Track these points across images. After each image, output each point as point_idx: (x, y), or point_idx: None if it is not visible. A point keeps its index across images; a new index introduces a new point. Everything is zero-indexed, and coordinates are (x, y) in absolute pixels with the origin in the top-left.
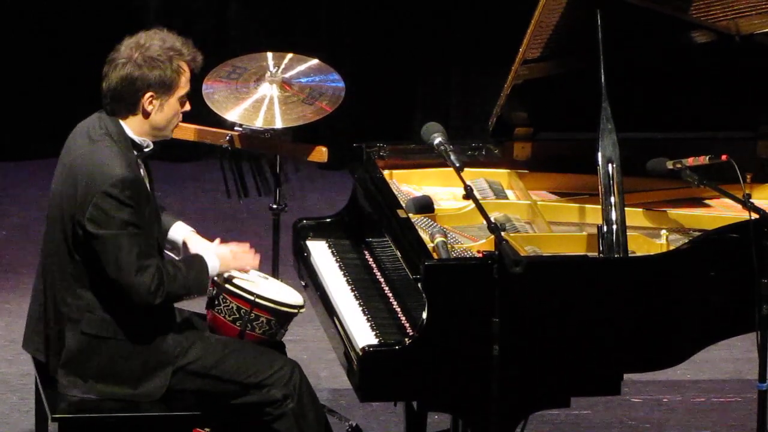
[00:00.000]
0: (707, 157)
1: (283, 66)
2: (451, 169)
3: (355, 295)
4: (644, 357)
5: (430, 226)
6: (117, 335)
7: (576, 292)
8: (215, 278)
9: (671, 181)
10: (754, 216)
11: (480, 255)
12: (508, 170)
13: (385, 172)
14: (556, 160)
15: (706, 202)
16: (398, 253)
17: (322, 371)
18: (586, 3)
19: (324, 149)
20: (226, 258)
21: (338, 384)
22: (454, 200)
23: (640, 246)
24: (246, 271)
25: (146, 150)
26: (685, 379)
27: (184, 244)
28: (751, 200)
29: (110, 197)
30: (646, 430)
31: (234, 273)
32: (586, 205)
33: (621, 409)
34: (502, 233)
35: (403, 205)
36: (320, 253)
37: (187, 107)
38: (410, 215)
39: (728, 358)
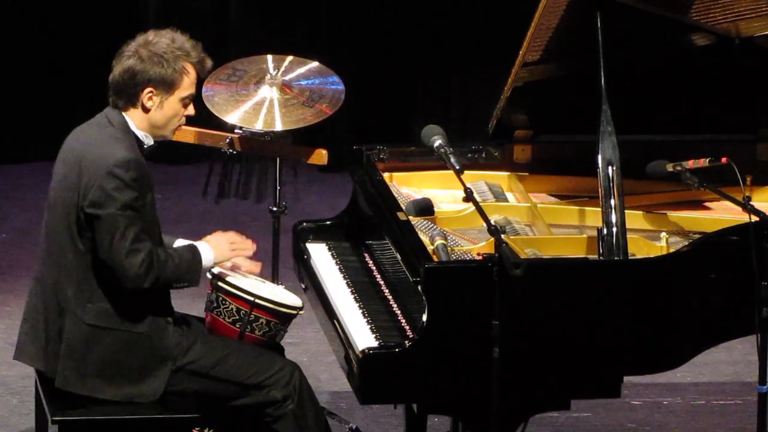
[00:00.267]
0: (707, 160)
1: (283, 68)
2: (451, 171)
3: (355, 297)
4: (644, 359)
5: (430, 228)
6: (120, 326)
7: (576, 294)
8: (214, 281)
9: (671, 183)
10: (754, 218)
11: (480, 257)
12: (508, 173)
13: (385, 175)
14: (556, 163)
15: (706, 204)
16: (398, 256)
17: (322, 373)
18: (586, 5)
19: (324, 152)
20: (221, 246)
21: (338, 386)
22: (454, 203)
23: (640, 248)
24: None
25: (146, 147)
26: (685, 381)
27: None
28: (750, 203)
29: (114, 177)
30: None
31: (232, 275)
32: (586, 208)
33: (621, 412)
34: (502, 236)
35: (403, 207)
36: (320, 255)
37: (191, 111)
38: (410, 218)
39: (728, 361)
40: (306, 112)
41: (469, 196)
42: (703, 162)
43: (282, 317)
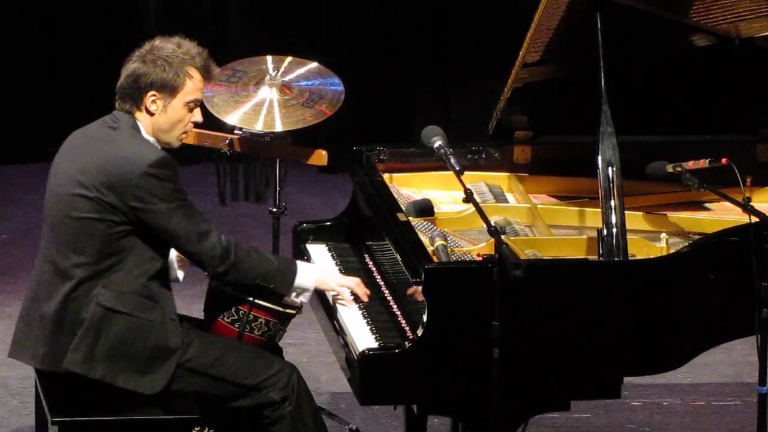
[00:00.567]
0: (707, 161)
1: (282, 69)
2: (451, 172)
3: (355, 298)
4: (644, 360)
5: (430, 229)
6: (132, 312)
7: (576, 295)
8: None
9: (671, 184)
10: (754, 219)
11: (480, 258)
12: (508, 173)
13: (385, 176)
14: (556, 164)
15: (706, 205)
16: (398, 257)
17: (322, 374)
18: (586, 6)
19: (324, 152)
20: (327, 275)
21: (338, 387)
22: (454, 203)
23: (640, 249)
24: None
25: None
26: (685, 382)
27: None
28: (751, 203)
29: (150, 176)
30: None
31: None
32: (586, 209)
33: (621, 413)
34: (502, 236)
35: (403, 208)
36: (320, 256)
37: (198, 117)
38: (410, 218)
39: (728, 362)
40: (306, 113)
41: (469, 197)
42: (703, 163)
43: (281, 317)
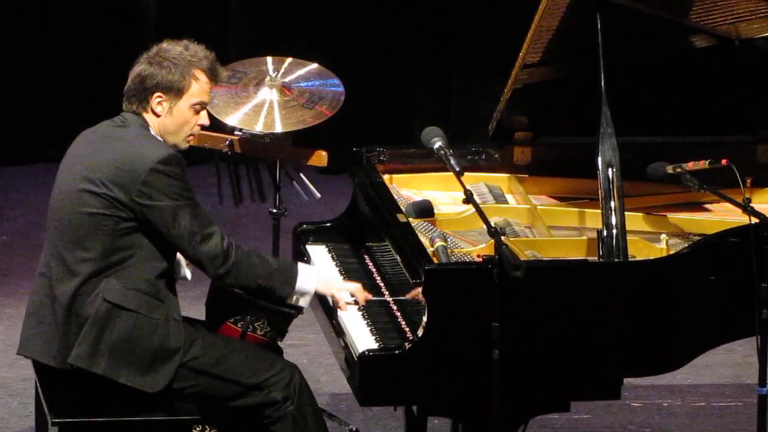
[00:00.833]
0: (707, 162)
1: (282, 70)
2: (451, 173)
3: (355, 299)
4: (644, 361)
5: (430, 230)
6: (138, 309)
7: (576, 296)
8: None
9: (671, 185)
10: (754, 220)
11: (480, 259)
12: (508, 174)
13: (385, 177)
14: (556, 165)
15: (706, 206)
16: (398, 258)
17: (322, 375)
18: (586, 7)
19: (324, 153)
20: (327, 280)
21: (338, 388)
22: (454, 204)
23: (640, 250)
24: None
25: None
26: (685, 383)
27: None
28: (750, 204)
29: (158, 173)
30: None
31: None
32: (586, 210)
33: (621, 414)
34: (502, 237)
35: (403, 209)
36: (320, 257)
37: (205, 120)
38: (410, 220)
39: (728, 363)
40: (306, 114)
41: (469, 198)
42: (703, 164)
43: (283, 317)
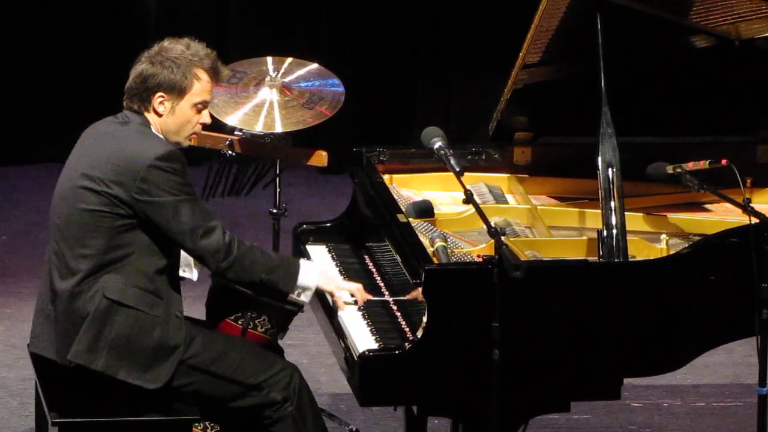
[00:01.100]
0: (707, 162)
1: (282, 70)
2: (451, 173)
3: (355, 299)
4: (644, 361)
5: (430, 230)
6: (138, 306)
7: (576, 296)
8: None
9: (671, 185)
10: (754, 220)
11: (480, 259)
12: (508, 175)
13: (385, 177)
14: (556, 165)
15: (706, 206)
16: (398, 258)
17: (322, 375)
18: (586, 7)
19: (324, 153)
20: (328, 277)
21: (338, 388)
22: (454, 205)
23: (640, 250)
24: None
25: None
26: (685, 383)
27: None
28: (751, 205)
29: (157, 169)
30: None
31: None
32: (586, 210)
33: (621, 414)
34: (502, 238)
35: (403, 209)
36: (320, 257)
37: (206, 119)
38: (410, 220)
39: (728, 363)
40: (306, 114)
41: (469, 198)
42: (704, 164)
43: (284, 314)
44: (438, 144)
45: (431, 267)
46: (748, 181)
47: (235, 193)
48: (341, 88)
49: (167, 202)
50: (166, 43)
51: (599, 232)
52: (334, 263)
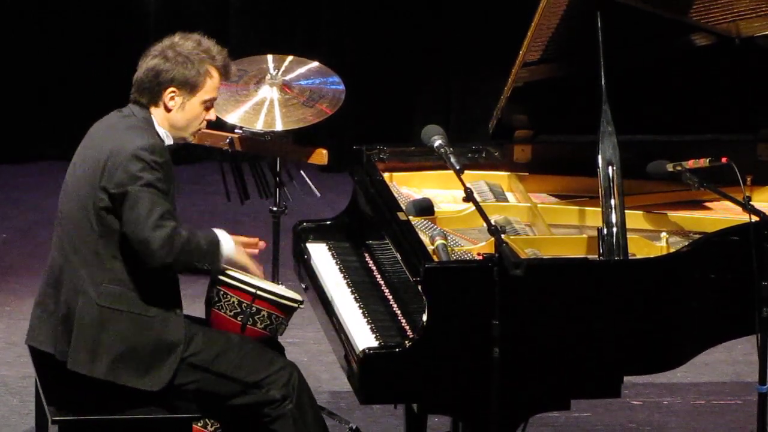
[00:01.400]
0: (707, 160)
1: (283, 68)
2: (451, 171)
3: (355, 297)
4: (644, 359)
5: (430, 228)
6: (131, 309)
7: (576, 294)
8: (214, 275)
9: (671, 183)
10: (755, 218)
11: (480, 257)
12: (509, 173)
13: (385, 175)
14: (557, 163)
15: (706, 204)
16: (398, 256)
17: (322, 373)
18: (586, 5)
19: (324, 151)
20: (236, 245)
21: (338, 386)
22: (454, 203)
23: (640, 248)
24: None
25: (166, 145)
26: (685, 381)
27: None
28: (751, 203)
29: (139, 160)
30: None
31: (232, 270)
32: (587, 208)
33: (621, 412)
34: (503, 236)
35: (403, 207)
36: (320, 255)
37: (213, 116)
38: (410, 218)
39: (728, 361)
40: (306, 112)
41: (469, 196)
42: (704, 162)
43: (284, 309)
44: (438, 142)
45: (431, 265)
46: (748, 179)
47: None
48: (341, 86)
49: (134, 190)
50: (177, 38)
51: (599, 230)
52: (334, 261)
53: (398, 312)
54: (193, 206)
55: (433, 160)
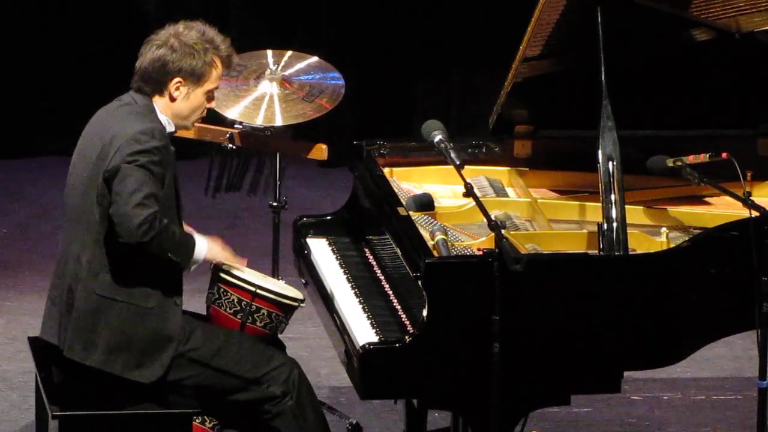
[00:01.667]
0: (707, 155)
1: (283, 63)
2: (452, 166)
3: (355, 292)
4: (644, 355)
5: (431, 223)
6: (129, 299)
7: (576, 289)
8: (215, 272)
9: (671, 178)
10: (755, 214)
11: (480, 253)
12: (509, 168)
13: (386, 170)
14: (557, 158)
15: (707, 199)
16: (398, 251)
17: (323, 369)
18: (586, 0)
19: (324, 147)
20: (215, 249)
21: (338, 381)
22: (454, 198)
23: (640, 244)
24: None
25: (167, 132)
26: (685, 376)
27: None
28: (751, 198)
29: (136, 142)
30: (647, 428)
31: (233, 267)
32: (587, 203)
33: (621, 407)
34: (503, 231)
35: (404, 202)
36: (320, 250)
37: (213, 104)
38: (410, 213)
39: (728, 356)
40: (306, 107)
41: (469, 192)
42: (704, 157)
43: (283, 308)
44: (438, 137)
45: (431, 260)
46: (749, 174)
47: (235, 189)
48: (341, 81)
49: (125, 168)
50: (180, 27)
51: (599, 226)
52: (334, 256)
53: (398, 307)
54: (193, 202)
55: (433, 156)
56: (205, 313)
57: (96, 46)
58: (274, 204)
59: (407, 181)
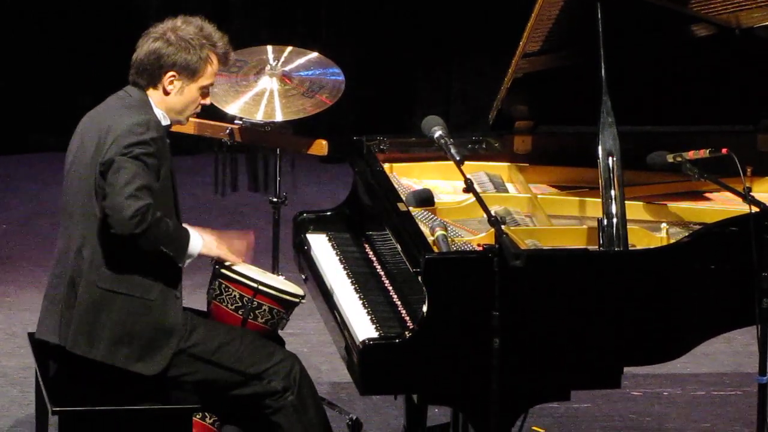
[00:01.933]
0: (707, 151)
1: (282, 59)
2: (452, 162)
3: (355, 288)
4: (644, 350)
5: (431, 219)
6: (131, 292)
7: (576, 285)
8: (217, 269)
9: (671, 174)
10: (755, 209)
11: (480, 248)
12: (509, 163)
13: (386, 166)
14: (557, 154)
15: (707, 195)
16: (398, 247)
17: (323, 364)
18: None
19: (324, 142)
20: (210, 244)
21: (338, 377)
22: (454, 193)
23: (640, 239)
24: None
25: (162, 126)
26: (685, 372)
27: None
28: (751, 193)
29: (132, 134)
30: (647, 424)
31: (235, 264)
32: (587, 199)
33: (621, 403)
34: (503, 226)
35: (404, 198)
36: (320, 246)
37: (208, 101)
38: (410, 208)
39: (728, 352)
40: (306, 103)
41: (469, 187)
42: (704, 153)
43: (284, 304)
44: (438, 133)
45: (431, 256)
46: (749, 170)
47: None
48: (341, 77)
49: (120, 159)
50: (179, 21)
51: (599, 221)
52: (334, 252)
53: (398, 303)
54: (193, 198)
55: (433, 151)
56: (205, 308)
57: (97, 41)
58: (274, 200)
59: (407, 177)
